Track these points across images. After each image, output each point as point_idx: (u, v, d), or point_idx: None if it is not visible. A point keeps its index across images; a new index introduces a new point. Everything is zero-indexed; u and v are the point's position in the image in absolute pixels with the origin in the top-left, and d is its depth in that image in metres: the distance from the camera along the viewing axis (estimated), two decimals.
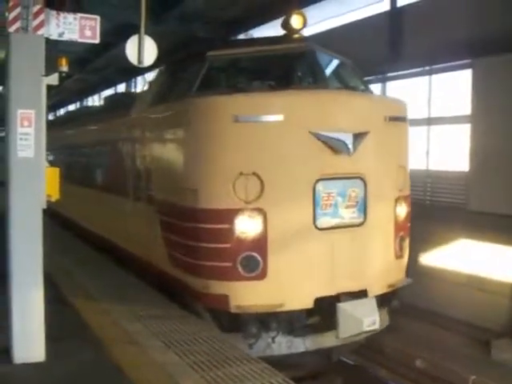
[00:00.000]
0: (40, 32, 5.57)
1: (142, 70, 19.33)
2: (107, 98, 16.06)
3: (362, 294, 7.10)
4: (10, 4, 5.42)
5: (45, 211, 5.73)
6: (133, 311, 7.42)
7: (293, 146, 6.78)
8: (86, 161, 13.93)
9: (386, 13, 12.94)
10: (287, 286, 6.81)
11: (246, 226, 6.73)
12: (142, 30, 7.30)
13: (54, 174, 5.90)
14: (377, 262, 7.35)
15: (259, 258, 6.72)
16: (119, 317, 7.20)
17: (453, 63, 11.23)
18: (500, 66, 10.11)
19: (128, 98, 12.21)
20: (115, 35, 16.15)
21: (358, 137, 6.88)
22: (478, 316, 10.21)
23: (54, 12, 5.67)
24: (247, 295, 6.78)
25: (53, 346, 5.72)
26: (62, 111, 38.65)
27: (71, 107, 36.89)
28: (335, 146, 6.78)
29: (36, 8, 5.51)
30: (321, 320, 7.07)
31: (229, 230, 6.73)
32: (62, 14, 5.71)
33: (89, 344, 6.22)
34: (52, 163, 6.18)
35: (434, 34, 11.14)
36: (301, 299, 6.85)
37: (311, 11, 14.18)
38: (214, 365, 5.66)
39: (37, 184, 5.63)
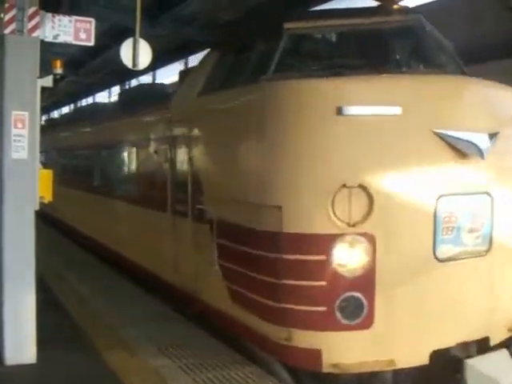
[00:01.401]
0: (35, 34, 5.58)
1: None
2: (128, 91, 14.13)
3: (484, 342, 5.67)
4: (6, 6, 5.43)
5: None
6: (127, 315, 7.38)
7: (412, 150, 5.20)
8: (103, 166, 11.60)
9: None
10: (399, 336, 5.26)
11: (348, 258, 5.17)
12: (137, 33, 7.35)
13: (47, 175, 5.91)
14: (501, 301, 5.81)
15: (364, 301, 5.13)
16: (112, 320, 7.17)
17: None
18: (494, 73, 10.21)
19: (159, 90, 10.58)
20: (110, 37, 16.20)
21: (491, 139, 5.41)
22: None
23: (49, 14, 5.69)
24: (347, 350, 5.22)
25: (45, 349, 5.70)
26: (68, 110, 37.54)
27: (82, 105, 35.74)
28: (467, 151, 5.25)
29: (31, 10, 5.53)
30: (436, 379, 5.58)
31: (324, 263, 5.14)
32: (57, 16, 5.73)
33: (81, 348, 6.21)
34: (45, 165, 6.19)
35: None
36: (414, 353, 5.29)
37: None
38: (206, 368, 5.68)
39: (30, 185, 5.63)
